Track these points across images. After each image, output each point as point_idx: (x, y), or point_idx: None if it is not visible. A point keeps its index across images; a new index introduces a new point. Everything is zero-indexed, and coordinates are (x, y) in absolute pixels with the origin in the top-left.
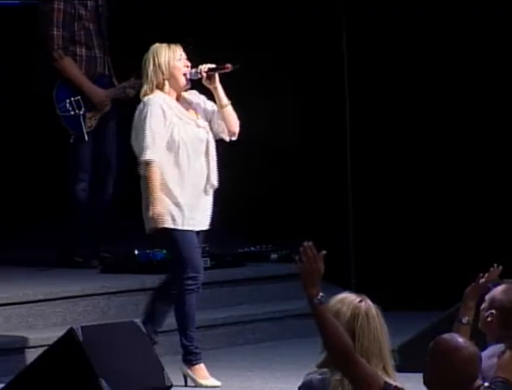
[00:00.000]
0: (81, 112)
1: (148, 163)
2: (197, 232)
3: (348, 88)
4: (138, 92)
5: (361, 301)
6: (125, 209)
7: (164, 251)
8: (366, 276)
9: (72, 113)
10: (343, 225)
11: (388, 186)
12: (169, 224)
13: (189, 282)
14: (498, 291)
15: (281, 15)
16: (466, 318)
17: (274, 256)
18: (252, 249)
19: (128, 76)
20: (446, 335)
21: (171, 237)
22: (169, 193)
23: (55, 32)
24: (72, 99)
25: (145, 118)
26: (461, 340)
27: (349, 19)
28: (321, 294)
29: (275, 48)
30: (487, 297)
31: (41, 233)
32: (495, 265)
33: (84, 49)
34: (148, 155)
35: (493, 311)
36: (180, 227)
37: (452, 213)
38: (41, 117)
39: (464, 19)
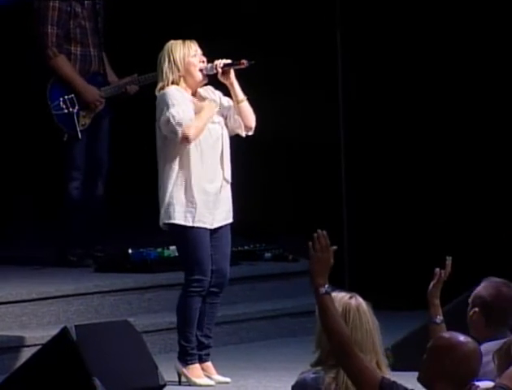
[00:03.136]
0: (75, 110)
1: (184, 134)
2: (219, 228)
3: (342, 90)
4: (141, 87)
5: (351, 298)
6: (119, 207)
7: (158, 250)
8: (359, 276)
9: (66, 111)
10: (337, 225)
11: (382, 185)
12: (180, 221)
13: (195, 284)
14: (480, 288)
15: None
16: (439, 317)
17: (268, 255)
18: (245, 247)
19: (128, 73)
20: (446, 333)
21: (182, 235)
22: (182, 189)
23: (49, 30)
24: (66, 97)
25: (166, 99)
26: (461, 336)
27: (343, 17)
28: (327, 285)
29: (274, 48)
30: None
31: (35, 233)
32: (447, 257)
33: (78, 48)
34: (181, 128)
35: (476, 309)
36: (190, 224)
37: (448, 212)
38: (37, 115)
39: (463, 19)
